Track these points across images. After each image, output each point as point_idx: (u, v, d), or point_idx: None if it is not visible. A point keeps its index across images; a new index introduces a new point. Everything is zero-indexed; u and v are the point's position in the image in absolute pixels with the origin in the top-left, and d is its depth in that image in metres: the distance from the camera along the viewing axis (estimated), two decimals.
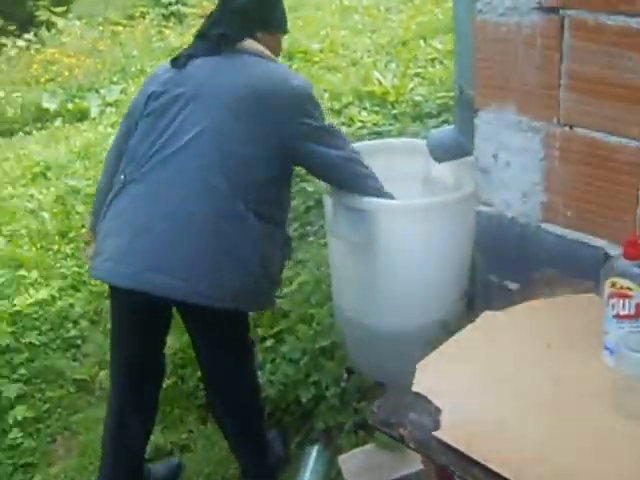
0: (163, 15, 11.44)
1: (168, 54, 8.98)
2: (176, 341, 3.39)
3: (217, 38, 2.35)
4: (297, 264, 3.72)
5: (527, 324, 1.94)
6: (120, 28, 10.37)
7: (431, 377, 1.86)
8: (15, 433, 3.26)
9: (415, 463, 2.56)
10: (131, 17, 11.24)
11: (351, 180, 2.50)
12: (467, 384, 1.82)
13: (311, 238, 3.89)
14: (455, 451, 1.62)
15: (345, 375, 2.96)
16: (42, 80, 8.68)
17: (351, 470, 2.68)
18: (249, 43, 2.37)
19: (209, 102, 2.26)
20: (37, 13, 11.79)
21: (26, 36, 10.33)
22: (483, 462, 1.52)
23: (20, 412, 3.34)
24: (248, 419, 2.68)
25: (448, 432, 1.67)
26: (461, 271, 2.78)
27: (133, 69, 8.39)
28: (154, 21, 10.80)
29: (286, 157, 2.33)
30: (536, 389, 1.70)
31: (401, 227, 2.56)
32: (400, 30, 6.95)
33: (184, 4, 11.79)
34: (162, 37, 10.13)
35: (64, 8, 11.80)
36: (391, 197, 2.56)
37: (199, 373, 3.28)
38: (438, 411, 1.75)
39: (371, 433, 2.76)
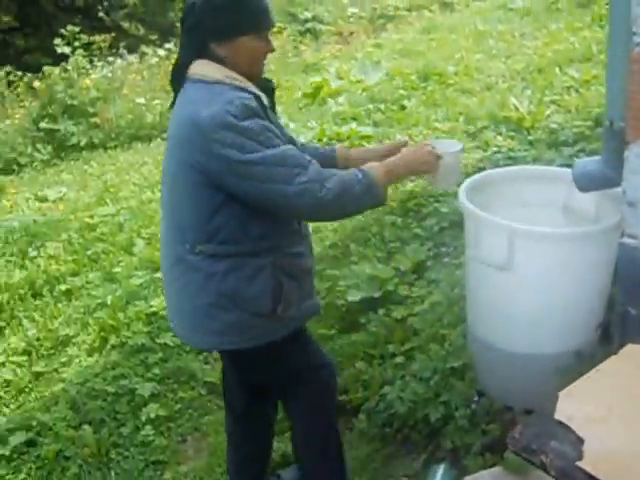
0: (299, 31, 11.72)
1: (302, 69, 9.21)
2: None
3: (174, 69, 2.26)
4: (430, 283, 3.73)
5: None
6: None
7: (574, 406, 1.86)
8: (147, 430, 3.37)
9: None
10: None
11: (306, 212, 2.17)
12: (610, 415, 1.81)
13: (446, 259, 3.89)
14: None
15: (475, 397, 2.95)
16: None
17: None
18: (194, 66, 2.18)
19: (168, 147, 2.24)
20: (178, 23, 12.27)
21: (167, 45, 10.75)
22: None
23: (153, 410, 3.45)
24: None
25: (592, 463, 1.66)
26: (599, 301, 2.73)
27: None
28: (291, 37, 11.07)
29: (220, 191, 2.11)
30: None
31: (542, 254, 2.54)
32: (535, 57, 6.87)
33: (320, 21, 12.04)
34: (297, 52, 10.38)
35: None
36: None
37: None
38: (581, 441, 1.75)
39: (499, 455, 2.74)
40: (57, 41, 9.13)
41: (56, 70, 8.87)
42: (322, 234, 4.52)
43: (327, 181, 2.08)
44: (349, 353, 3.47)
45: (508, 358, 2.80)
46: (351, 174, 2.14)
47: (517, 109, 5.21)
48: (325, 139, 5.91)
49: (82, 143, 8.13)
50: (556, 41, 7.34)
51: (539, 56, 6.79)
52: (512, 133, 5.01)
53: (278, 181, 2.04)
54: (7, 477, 3.17)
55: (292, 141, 2.31)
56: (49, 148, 8.18)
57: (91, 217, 5.35)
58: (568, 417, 1.82)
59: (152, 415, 3.41)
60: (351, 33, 12.01)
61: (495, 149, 4.78)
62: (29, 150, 8.10)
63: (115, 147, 8.07)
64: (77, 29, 9.25)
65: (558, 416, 1.83)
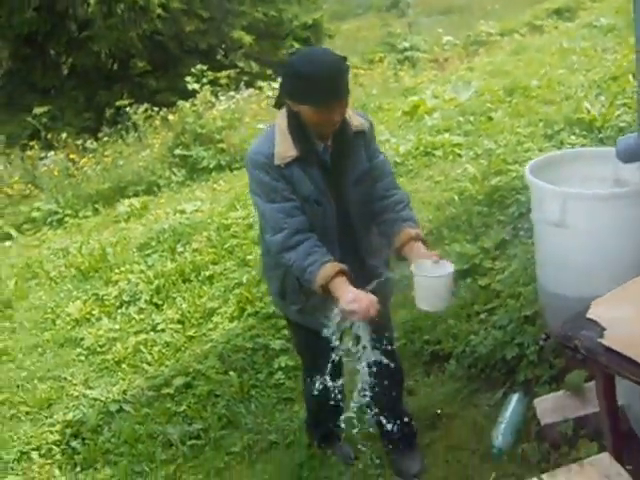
0: (398, 60, 12.39)
1: (402, 93, 9.82)
2: (407, 313, 4.05)
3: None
4: (510, 258, 4.23)
5: None
6: (361, 71, 11.39)
7: (602, 309, 2.39)
8: (279, 375, 4.04)
9: (593, 406, 3.01)
10: (371, 61, 12.27)
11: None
12: (631, 315, 2.33)
13: (523, 237, 4.37)
14: (613, 352, 2.15)
15: (544, 337, 3.45)
16: None
17: (543, 409, 3.18)
18: (280, 113, 2.62)
19: None
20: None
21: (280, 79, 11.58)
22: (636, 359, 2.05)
23: (283, 361, 4.11)
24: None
25: (609, 339, 2.20)
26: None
27: (372, 105, 9.24)
28: (390, 64, 11.73)
29: None
30: None
31: (589, 212, 3.05)
32: (613, 67, 7.23)
33: (417, 50, 12.64)
34: (397, 79, 11.00)
35: None
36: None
37: (425, 336, 3.96)
38: (603, 329, 2.28)
39: (562, 383, 3.24)
40: (188, 79, 10.11)
41: (187, 104, 9.80)
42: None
43: (286, 254, 2.53)
44: None
45: (570, 302, 3.29)
46: (306, 263, 2.49)
47: (589, 112, 5.66)
48: (422, 147, 6.52)
49: (211, 165, 8.93)
50: (633, 52, 7.65)
51: (616, 67, 7.15)
52: (584, 132, 5.47)
53: (259, 217, 2.65)
54: (172, 409, 3.92)
55: (382, 171, 2.72)
56: (183, 171, 9.00)
57: (225, 219, 6.12)
58: (597, 315, 2.35)
59: (282, 364, 4.06)
60: (446, 59, 12.55)
61: (568, 146, 5.25)
62: (167, 174, 8.95)
63: (240, 167, 8.84)
64: (205, 67, 10.22)
65: (589, 315, 2.37)
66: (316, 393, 2.84)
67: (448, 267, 2.50)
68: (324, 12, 16.43)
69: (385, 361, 2.71)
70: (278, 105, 2.65)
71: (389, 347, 2.87)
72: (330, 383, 2.77)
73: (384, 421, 3.05)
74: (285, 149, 2.51)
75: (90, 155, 10.06)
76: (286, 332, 4.29)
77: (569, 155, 3.59)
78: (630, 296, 2.46)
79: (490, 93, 7.78)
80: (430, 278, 2.46)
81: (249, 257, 5.29)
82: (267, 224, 2.59)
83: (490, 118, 6.93)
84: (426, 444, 3.29)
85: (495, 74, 9.16)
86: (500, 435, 3.19)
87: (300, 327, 2.98)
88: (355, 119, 2.65)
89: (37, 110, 11.78)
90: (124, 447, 3.74)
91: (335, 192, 2.63)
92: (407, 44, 12.67)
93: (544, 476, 2.35)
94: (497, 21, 15.60)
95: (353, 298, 2.43)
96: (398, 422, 3.08)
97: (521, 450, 3.07)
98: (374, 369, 2.68)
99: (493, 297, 3.96)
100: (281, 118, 2.57)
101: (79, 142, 10.57)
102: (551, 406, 3.20)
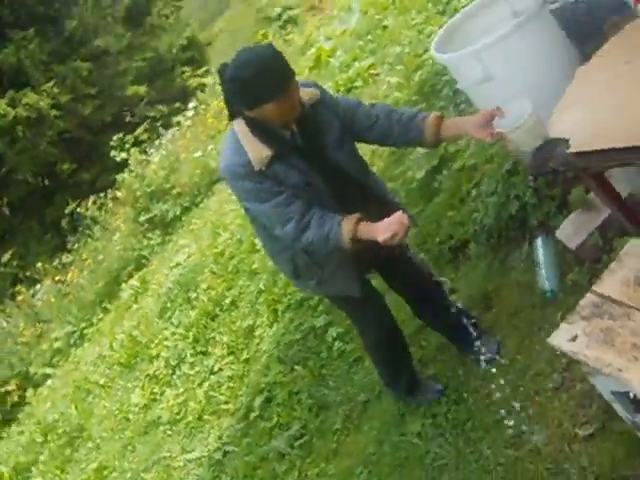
0: (280, 27, 12.42)
1: (299, 53, 9.86)
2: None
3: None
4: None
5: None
6: None
7: (557, 126, 2.49)
8: (337, 345, 4.11)
9: (605, 209, 3.14)
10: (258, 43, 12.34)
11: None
12: (581, 115, 2.44)
13: (466, 110, 4.45)
14: (585, 153, 2.27)
15: (530, 178, 3.54)
16: None
17: (566, 236, 3.29)
18: (233, 124, 2.67)
19: None
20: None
21: (190, 105, 11.63)
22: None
23: (333, 331, 4.19)
24: None
25: (576, 145, 2.32)
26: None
27: None
28: (276, 35, 11.76)
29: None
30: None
31: (502, 54, 3.12)
32: None
33: (290, 8, 12.66)
34: (289, 43, 11.04)
35: None
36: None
37: (435, 239, 4.07)
38: (567, 140, 2.39)
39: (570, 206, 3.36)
40: (113, 153, 10.19)
41: (125, 175, 9.88)
42: None
43: (302, 236, 2.63)
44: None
45: None
46: (325, 230, 2.61)
47: None
48: (342, 88, 6.61)
49: (177, 212, 9.01)
50: None
51: None
52: None
53: (262, 219, 2.72)
54: (266, 426, 4.05)
55: (354, 109, 2.77)
56: (157, 232, 9.09)
57: (216, 247, 6.28)
58: (557, 133, 2.46)
59: (334, 334, 4.16)
60: (320, 1, 12.56)
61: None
62: (145, 242, 9.02)
63: (202, 200, 8.95)
64: (121, 135, 10.30)
65: (554, 134, 2.48)
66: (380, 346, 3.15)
67: (523, 105, 2.48)
68: (192, 27, 16.46)
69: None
70: (232, 117, 2.67)
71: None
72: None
73: (447, 326, 3.25)
74: (259, 152, 2.57)
75: (71, 268, 10.16)
76: (322, 307, 4.43)
77: (463, 17, 3.64)
78: (573, 102, 2.56)
79: (373, 6, 7.85)
80: (519, 129, 2.43)
81: (255, 266, 5.40)
82: (271, 221, 2.68)
83: (385, 27, 7.01)
84: (490, 326, 3.41)
85: None
86: (545, 280, 3.31)
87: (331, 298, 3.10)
88: (304, 93, 2.67)
89: (4, 259, 11.88)
90: None
91: (322, 166, 2.71)
92: (278, 9, 12.68)
93: (594, 287, 2.48)
94: None
95: (385, 227, 2.56)
96: (458, 319, 3.22)
97: (570, 282, 3.19)
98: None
99: (472, 172, 4.06)
100: (238, 126, 2.62)
101: (56, 262, 10.67)
102: (572, 230, 3.32)
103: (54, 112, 13.23)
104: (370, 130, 2.79)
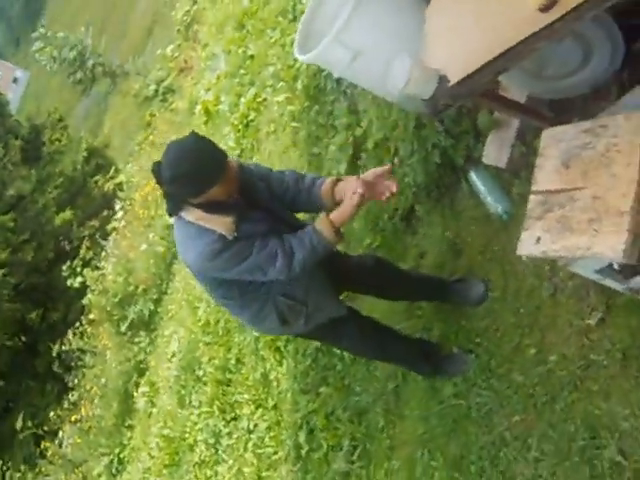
0: (160, 101, 12.38)
1: (191, 114, 9.83)
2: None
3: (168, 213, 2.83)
4: (360, 112, 4.36)
5: None
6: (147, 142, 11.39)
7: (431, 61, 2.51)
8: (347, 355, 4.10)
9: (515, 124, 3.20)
10: (148, 124, 12.31)
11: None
12: (449, 51, 2.47)
13: (350, 100, 4.51)
14: (464, 80, 2.29)
15: (437, 125, 3.57)
16: None
17: (493, 157, 3.33)
18: (181, 215, 2.74)
19: None
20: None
21: (116, 209, 11.58)
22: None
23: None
24: None
25: (452, 76, 2.34)
26: None
27: None
28: (160, 110, 11.74)
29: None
30: None
31: (356, 30, 3.17)
32: None
33: (160, 82, 12.62)
34: (174, 113, 11.01)
35: None
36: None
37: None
38: (445, 75, 2.42)
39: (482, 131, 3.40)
40: (69, 282, 10.09)
41: (89, 296, 9.80)
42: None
43: (293, 260, 2.71)
44: None
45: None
46: (307, 243, 2.72)
47: None
48: (241, 127, 6.62)
49: (151, 308, 8.84)
50: None
51: None
52: None
53: (255, 274, 2.76)
54: (321, 457, 4.00)
55: (267, 177, 2.94)
56: (141, 332, 8.86)
57: (199, 320, 6.19)
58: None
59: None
60: (185, 61, 12.51)
61: None
62: (135, 349, 8.79)
63: (167, 284, 8.82)
64: (68, 263, 10.21)
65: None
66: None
67: (402, 60, 2.57)
68: (85, 138, 16.41)
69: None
70: (176, 211, 2.74)
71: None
72: None
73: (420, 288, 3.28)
74: (224, 223, 2.65)
75: (82, 403, 10.00)
76: None
77: (310, 13, 3.65)
78: (433, 39, 2.61)
79: (232, 43, 7.87)
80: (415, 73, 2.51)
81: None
82: (261, 269, 2.74)
83: (251, 56, 7.02)
84: (468, 268, 3.43)
85: (222, 26, 9.16)
86: (494, 205, 3.34)
87: (321, 327, 3.09)
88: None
89: (18, 425, 11.64)
90: None
91: (269, 213, 2.87)
92: (153, 86, 12.62)
93: (532, 188, 2.51)
94: None
95: (349, 196, 2.76)
96: (423, 277, 3.46)
97: (517, 196, 3.21)
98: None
99: (386, 143, 4.07)
100: (189, 215, 2.70)
101: (65, 405, 10.49)
102: (495, 150, 3.36)
103: (0, 271, 13.05)
104: (283, 196, 2.96)
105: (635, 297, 2.49)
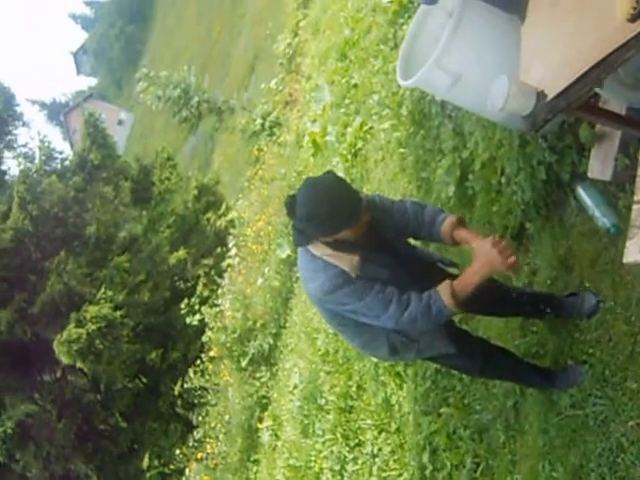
0: (270, 139, 13.03)
1: (301, 148, 10.39)
2: None
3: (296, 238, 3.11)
4: (466, 134, 4.70)
5: None
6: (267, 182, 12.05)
7: (529, 79, 2.83)
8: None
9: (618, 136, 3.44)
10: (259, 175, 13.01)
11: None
12: (545, 66, 2.79)
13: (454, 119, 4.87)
14: (564, 91, 2.61)
15: (541, 141, 3.86)
16: None
17: (598, 171, 3.58)
18: (309, 249, 3.03)
19: None
20: None
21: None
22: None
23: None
24: None
25: (549, 90, 2.65)
26: None
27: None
28: (268, 149, 12.39)
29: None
30: None
31: (458, 54, 3.52)
32: None
33: (269, 117, 13.28)
34: (283, 151, 11.61)
35: None
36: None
37: None
38: (543, 91, 2.73)
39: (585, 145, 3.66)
40: (188, 320, 10.81)
41: (209, 334, 10.46)
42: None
43: (405, 312, 2.94)
44: None
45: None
46: (425, 300, 2.94)
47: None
48: (350, 157, 7.07)
49: (271, 341, 9.42)
50: None
51: None
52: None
53: (368, 316, 3.02)
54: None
55: (391, 210, 3.24)
56: (263, 368, 9.47)
57: (319, 350, 6.62)
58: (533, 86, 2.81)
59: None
60: (290, 94, 13.17)
61: None
62: (257, 384, 9.41)
63: (285, 318, 9.32)
64: (186, 300, 10.94)
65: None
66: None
67: (500, 81, 2.85)
68: (194, 176, 17.29)
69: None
70: (304, 244, 3.04)
71: None
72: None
73: (536, 308, 3.57)
74: (349, 261, 2.93)
75: (207, 440, 10.61)
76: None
77: (410, 39, 3.97)
78: (529, 58, 2.93)
79: (336, 74, 8.38)
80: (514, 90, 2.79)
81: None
82: (374, 311, 2.99)
83: (355, 85, 7.52)
84: (579, 284, 3.68)
85: (324, 57, 9.73)
86: (602, 219, 3.58)
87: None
88: None
89: (145, 465, 12.40)
90: None
91: (393, 255, 3.13)
92: (259, 121, 13.31)
93: (635, 198, 2.77)
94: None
95: (480, 262, 2.98)
96: (542, 298, 3.66)
97: (624, 209, 3.45)
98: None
99: (492, 163, 4.37)
100: (316, 249, 2.98)
101: (191, 443, 11.13)
102: (599, 164, 3.59)
103: (118, 313, 13.91)
104: (404, 229, 3.26)
105: None
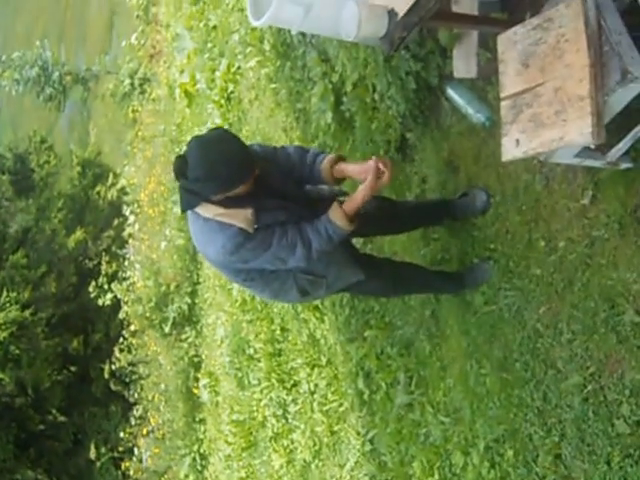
0: (138, 100, 12.66)
1: (174, 103, 10.13)
2: None
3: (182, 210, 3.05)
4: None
5: None
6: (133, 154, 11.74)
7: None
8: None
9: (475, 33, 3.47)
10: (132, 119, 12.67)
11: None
12: None
13: None
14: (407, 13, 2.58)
15: (405, 53, 3.86)
16: None
17: (462, 69, 3.63)
18: (197, 212, 2.96)
19: None
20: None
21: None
22: None
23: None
24: None
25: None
26: None
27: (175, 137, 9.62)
28: (139, 112, 12.08)
29: None
30: None
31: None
32: None
33: (129, 77, 12.87)
34: (164, 106, 11.31)
35: None
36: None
37: None
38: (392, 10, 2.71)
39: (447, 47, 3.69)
40: (100, 301, 10.63)
41: (125, 308, 10.31)
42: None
43: (311, 252, 3.00)
44: None
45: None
46: (323, 233, 3.00)
47: None
48: (224, 101, 6.94)
49: (189, 301, 9.31)
50: None
51: None
52: None
53: (276, 264, 3.05)
54: None
55: (274, 156, 3.22)
56: (187, 328, 9.38)
57: (236, 301, 6.63)
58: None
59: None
60: (153, 47, 12.72)
61: None
62: (185, 345, 9.34)
63: (198, 274, 9.23)
64: (93, 285, 10.72)
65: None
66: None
67: (349, 7, 2.87)
68: (74, 151, 16.75)
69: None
70: (192, 207, 2.95)
71: None
72: None
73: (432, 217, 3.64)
74: (244, 217, 2.89)
75: (148, 414, 10.57)
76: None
77: None
78: None
79: (192, 18, 8.17)
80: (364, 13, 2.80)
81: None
82: (282, 258, 3.02)
83: (214, 27, 7.33)
84: (468, 182, 3.76)
85: (179, 3, 9.40)
86: (477, 114, 3.65)
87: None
88: None
89: (92, 455, 12.29)
90: None
91: (283, 197, 3.12)
92: (127, 80, 12.85)
93: (501, 95, 2.82)
94: None
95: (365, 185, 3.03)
96: (435, 206, 3.76)
97: (494, 101, 3.49)
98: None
99: (362, 82, 4.36)
100: (206, 211, 2.92)
101: (133, 422, 11.09)
102: (463, 63, 3.64)
103: (27, 312, 13.49)
104: (290, 173, 3.22)
105: (616, 169, 2.81)
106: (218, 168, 2.80)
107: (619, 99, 2.54)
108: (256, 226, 2.92)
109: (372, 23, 2.84)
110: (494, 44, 3.36)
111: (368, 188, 3.02)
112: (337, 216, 3.02)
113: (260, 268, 3.14)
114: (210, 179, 2.81)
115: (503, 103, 2.82)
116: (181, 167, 2.86)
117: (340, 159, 3.19)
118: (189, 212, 3.04)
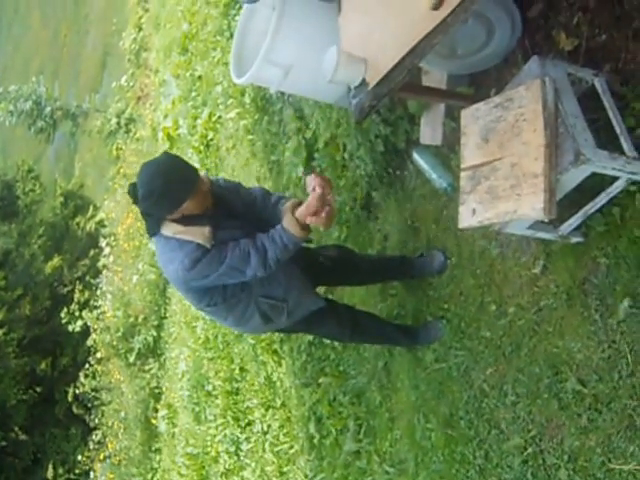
0: (123, 138, 12.56)
1: (155, 139, 10.06)
2: None
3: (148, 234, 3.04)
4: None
5: None
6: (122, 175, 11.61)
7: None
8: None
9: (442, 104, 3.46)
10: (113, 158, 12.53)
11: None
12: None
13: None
14: (382, 80, 2.55)
15: (375, 117, 3.84)
16: None
17: (428, 135, 3.61)
18: (161, 233, 2.93)
19: None
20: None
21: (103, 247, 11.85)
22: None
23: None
24: None
25: (371, 77, 2.60)
26: None
27: None
28: (125, 150, 11.99)
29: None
30: None
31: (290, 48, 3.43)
32: None
33: (122, 114, 12.80)
34: (141, 143, 11.22)
35: None
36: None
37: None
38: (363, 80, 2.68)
39: (415, 115, 3.67)
40: (70, 327, 10.36)
41: (94, 336, 10.06)
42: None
43: (266, 260, 2.92)
44: None
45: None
46: (278, 240, 2.92)
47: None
48: (202, 147, 6.88)
49: (155, 333, 9.12)
50: None
51: None
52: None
53: (234, 276, 2.95)
54: None
55: (236, 189, 3.19)
56: (150, 360, 9.22)
57: (199, 338, 6.46)
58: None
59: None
60: (142, 89, 12.69)
61: None
62: (147, 376, 9.14)
63: (165, 309, 9.08)
64: (65, 311, 10.48)
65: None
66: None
67: (329, 53, 2.81)
68: (59, 182, 16.57)
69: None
70: (156, 229, 2.92)
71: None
72: None
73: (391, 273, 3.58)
74: (202, 234, 2.85)
75: (107, 440, 10.28)
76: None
77: (239, 37, 3.86)
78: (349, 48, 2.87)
79: (179, 68, 8.12)
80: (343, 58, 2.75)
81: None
82: (238, 269, 2.93)
83: (199, 77, 7.30)
84: (427, 243, 3.72)
85: (169, 51, 9.36)
86: (439, 180, 3.62)
87: (302, 320, 3.35)
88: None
89: (49, 475, 11.92)
90: None
91: (242, 220, 3.08)
92: (114, 120, 12.80)
93: (461, 166, 2.79)
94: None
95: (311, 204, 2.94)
96: (395, 262, 3.72)
97: (457, 168, 3.45)
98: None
99: (334, 141, 4.34)
100: (167, 230, 2.89)
101: (91, 446, 10.77)
102: (430, 130, 3.64)
103: (0, 331, 13.25)
104: (252, 208, 3.17)
105: (567, 242, 2.78)
106: (155, 183, 2.81)
107: (572, 178, 2.52)
108: (213, 242, 2.88)
109: (348, 68, 2.80)
110: (459, 114, 3.39)
111: (317, 194, 2.94)
112: (291, 224, 2.95)
113: (222, 288, 3.06)
114: (150, 195, 2.81)
115: (463, 174, 2.79)
116: (132, 192, 2.90)
117: (302, 204, 3.10)
118: (156, 238, 2.99)
